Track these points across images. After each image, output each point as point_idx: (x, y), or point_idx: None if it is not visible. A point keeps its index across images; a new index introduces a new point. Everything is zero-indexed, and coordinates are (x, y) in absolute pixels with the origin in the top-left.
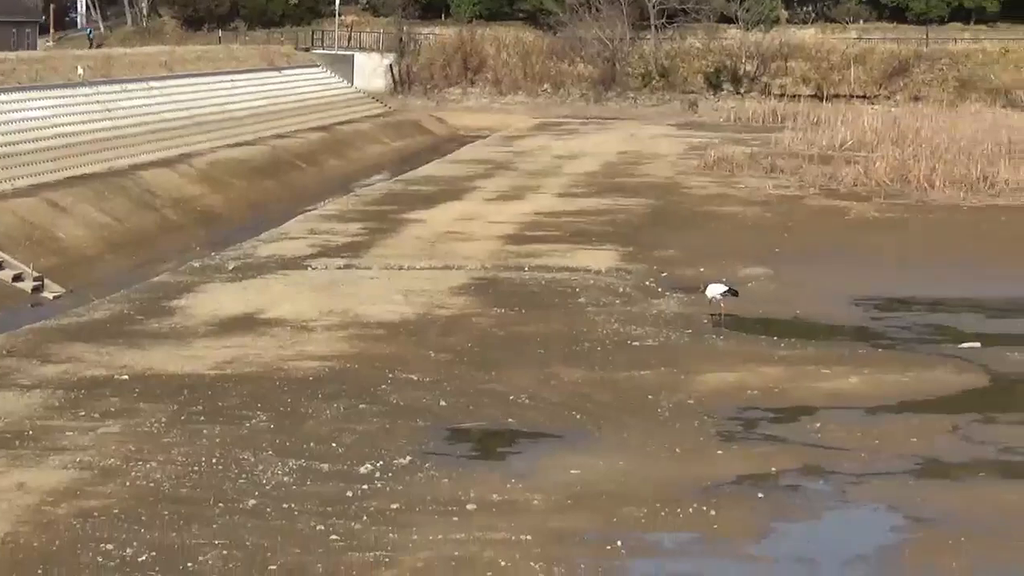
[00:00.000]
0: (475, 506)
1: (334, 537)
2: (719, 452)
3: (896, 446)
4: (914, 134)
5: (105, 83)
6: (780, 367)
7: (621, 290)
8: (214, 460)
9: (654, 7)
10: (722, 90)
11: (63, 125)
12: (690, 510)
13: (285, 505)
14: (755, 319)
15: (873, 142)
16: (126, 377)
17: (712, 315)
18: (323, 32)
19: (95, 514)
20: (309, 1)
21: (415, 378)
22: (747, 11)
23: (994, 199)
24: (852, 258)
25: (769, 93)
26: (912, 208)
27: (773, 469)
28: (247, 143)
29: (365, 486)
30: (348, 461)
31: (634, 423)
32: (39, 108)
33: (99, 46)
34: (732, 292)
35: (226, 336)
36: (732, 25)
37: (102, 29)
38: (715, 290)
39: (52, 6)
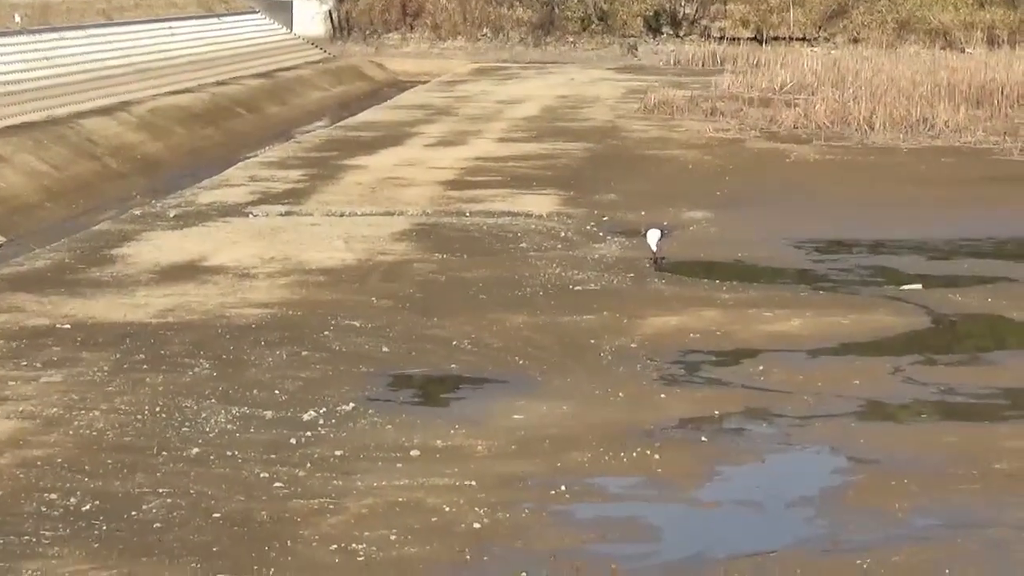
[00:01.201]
0: (419, 452)
1: (278, 484)
2: (662, 396)
3: (838, 388)
4: (854, 76)
5: (43, 31)
6: (722, 310)
7: (563, 235)
8: (157, 408)
9: None
10: (661, 33)
11: (0, 74)
12: (633, 454)
13: (229, 453)
14: (697, 263)
15: (813, 84)
16: (68, 326)
17: (652, 259)
18: None
19: (38, 463)
20: None
21: (357, 324)
22: None
23: (933, 140)
24: (793, 201)
25: (708, 36)
26: (853, 150)
27: (716, 412)
28: (187, 90)
29: (309, 433)
30: (291, 408)
31: (577, 368)
32: None
33: None
34: (664, 233)
35: (168, 284)
36: None
37: None
38: (654, 235)
39: None
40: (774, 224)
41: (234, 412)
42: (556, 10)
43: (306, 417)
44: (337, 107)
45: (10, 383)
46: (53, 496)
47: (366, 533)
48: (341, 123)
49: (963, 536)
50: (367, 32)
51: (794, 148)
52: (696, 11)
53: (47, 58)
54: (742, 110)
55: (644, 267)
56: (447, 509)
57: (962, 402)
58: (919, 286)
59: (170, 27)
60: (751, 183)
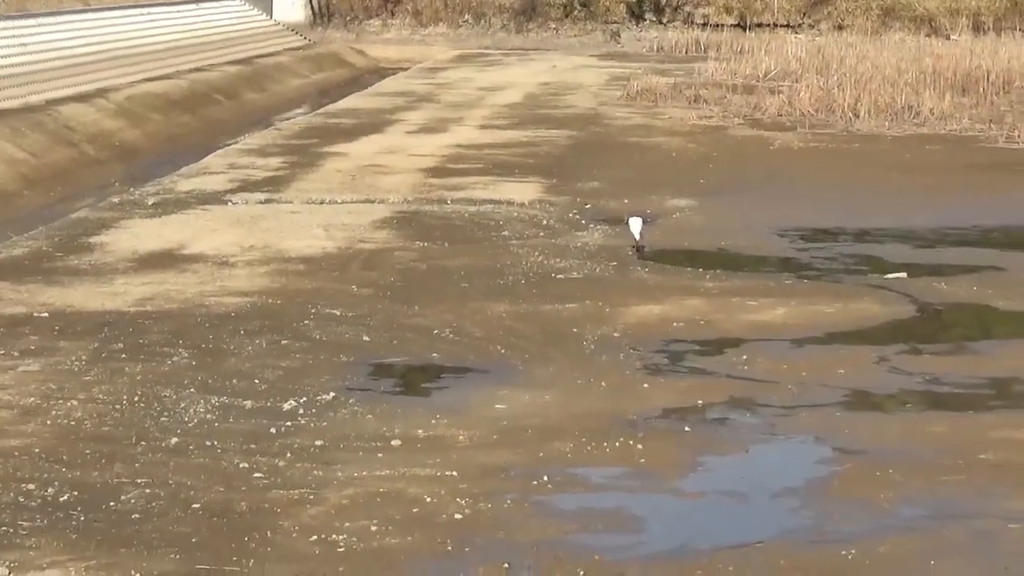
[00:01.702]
0: (400, 442)
1: (258, 475)
2: (645, 385)
3: (823, 378)
4: (838, 63)
5: (21, 17)
6: (706, 299)
7: (545, 223)
8: (136, 398)
9: None
10: (644, 20)
11: None
12: (616, 444)
13: (208, 443)
14: (680, 251)
15: (797, 71)
16: (46, 315)
17: (635, 247)
18: None
19: (16, 453)
20: None
21: (337, 313)
22: None
23: (919, 128)
24: (777, 189)
25: (692, 23)
26: (837, 138)
27: (700, 402)
28: (165, 77)
29: (289, 423)
30: (271, 398)
31: (559, 357)
32: None
33: None
34: (646, 221)
35: (146, 272)
36: None
37: None
38: (636, 223)
39: None
40: (758, 212)
41: (213, 402)
42: None
43: (286, 407)
44: (317, 94)
45: None
46: (31, 486)
47: (346, 524)
48: (321, 110)
49: (949, 527)
50: (347, 18)
51: (778, 136)
52: None
53: (24, 44)
54: (726, 97)
55: (627, 255)
56: (428, 500)
57: (948, 392)
58: (904, 275)
59: (148, 13)
60: (735, 171)
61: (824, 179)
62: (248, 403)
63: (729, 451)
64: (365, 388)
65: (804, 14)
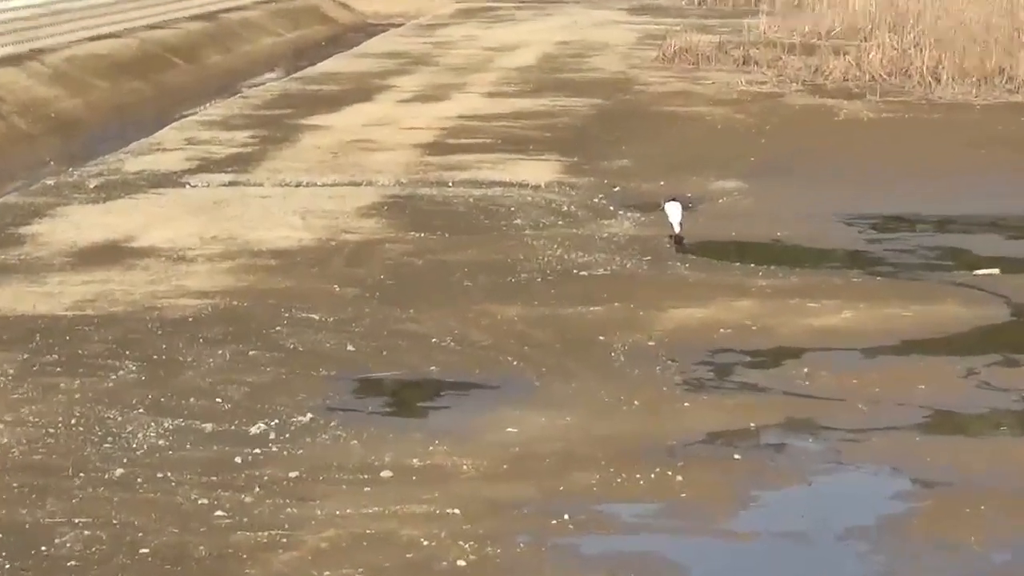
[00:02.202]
0: (391, 473)
1: (220, 513)
2: (686, 404)
3: (900, 395)
4: (915, 18)
5: None
6: (758, 300)
7: (565, 209)
8: (73, 420)
9: None
10: None
11: None
12: (652, 475)
13: (160, 474)
14: (728, 242)
15: (866, 28)
16: None
17: (673, 238)
18: None
19: None
20: None
21: (316, 318)
22: None
23: (1012, 95)
24: (843, 167)
25: None
26: (914, 107)
27: (752, 424)
28: (112, 35)
29: (257, 450)
30: (236, 420)
31: (583, 370)
32: None
33: None
34: (687, 207)
35: (87, 269)
36: None
37: None
38: (675, 209)
39: None
40: (820, 196)
41: (167, 425)
42: None
43: (254, 431)
44: (293, 55)
45: None
46: None
47: (326, 572)
48: (297, 74)
49: None
50: None
51: (844, 104)
52: None
53: None
54: (781, 59)
55: (663, 248)
56: (425, 543)
57: None
58: (996, 271)
59: None
60: (792, 146)
61: (899, 156)
62: (208, 426)
63: (787, 483)
64: (349, 408)
65: None
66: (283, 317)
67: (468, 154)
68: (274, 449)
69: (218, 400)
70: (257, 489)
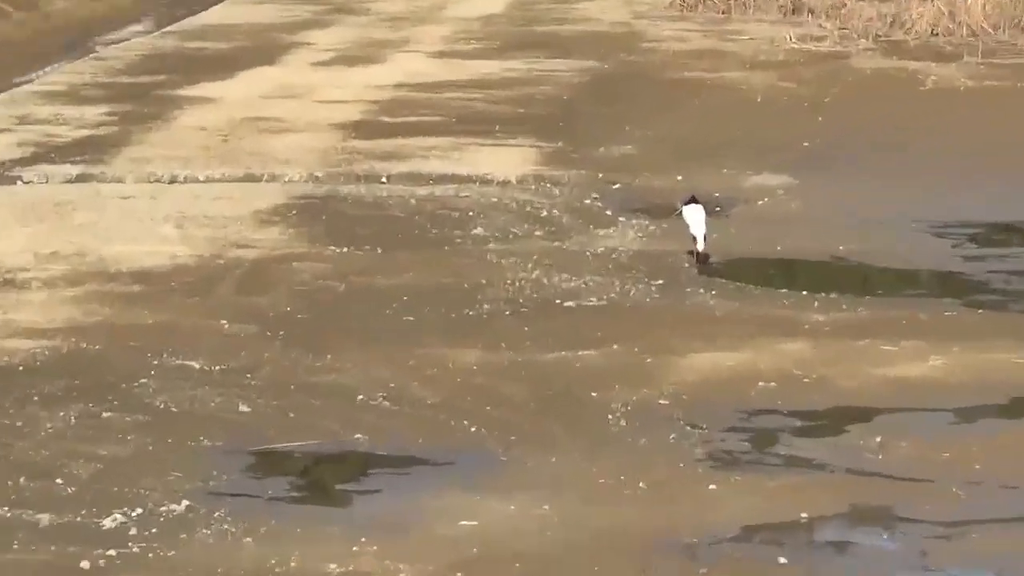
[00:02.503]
0: None
1: None
2: (711, 487)
3: (1008, 473)
4: None
5: None
6: (812, 341)
7: (544, 214)
8: None
9: None
10: None
11: None
12: None
13: None
14: (770, 260)
15: None
16: None
17: (695, 253)
18: None
19: None
20: None
21: (196, 366)
22: None
23: None
24: (931, 157)
25: None
26: None
27: (804, 515)
28: None
29: (111, 551)
30: (83, 509)
31: (568, 439)
32: None
33: None
34: (713, 211)
35: None
36: None
37: None
38: (697, 215)
39: None
40: (898, 196)
41: None
42: None
43: (108, 524)
44: (167, 0)
45: None
46: None
47: None
48: (173, 27)
49: None
50: None
51: (932, 69)
52: None
53: None
54: (846, 5)
55: (681, 268)
56: None
57: None
58: None
59: None
60: (860, 127)
61: (1007, 142)
62: (44, 518)
63: None
64: (241, 492)
65: None
66: (150, 365)
67: (409, 137)
68: (135, 550)
69: (59, 481)
70: None
